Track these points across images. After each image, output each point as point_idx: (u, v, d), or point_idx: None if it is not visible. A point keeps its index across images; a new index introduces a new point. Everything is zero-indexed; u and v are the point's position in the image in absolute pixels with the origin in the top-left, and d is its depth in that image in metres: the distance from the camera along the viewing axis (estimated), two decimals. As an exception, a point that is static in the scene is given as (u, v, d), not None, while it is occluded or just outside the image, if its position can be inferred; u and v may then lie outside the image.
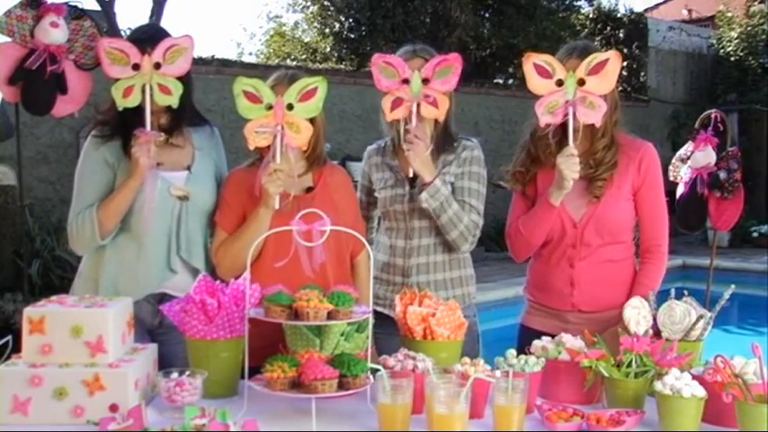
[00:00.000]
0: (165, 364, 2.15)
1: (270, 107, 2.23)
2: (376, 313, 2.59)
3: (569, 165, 2.31)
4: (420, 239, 2.57)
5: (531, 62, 2.31)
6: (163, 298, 2.39)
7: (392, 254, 2.61)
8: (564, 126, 2.32)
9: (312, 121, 2.32)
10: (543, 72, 2.30)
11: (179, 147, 2.51)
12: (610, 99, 2.36)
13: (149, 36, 2.43)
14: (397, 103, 2.40)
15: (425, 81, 2.38)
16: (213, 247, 2.45)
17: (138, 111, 2.37)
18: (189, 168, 2.49)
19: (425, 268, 2.57)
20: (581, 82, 2.27)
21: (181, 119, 2.49)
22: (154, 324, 2.45)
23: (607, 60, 2.27)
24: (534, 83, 2.32)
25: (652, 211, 2.50)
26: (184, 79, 2.41)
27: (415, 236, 2.57)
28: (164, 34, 2.44)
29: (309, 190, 2.46)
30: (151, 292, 2.43)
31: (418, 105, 2.38)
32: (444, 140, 2.57)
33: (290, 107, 2.25)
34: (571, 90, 2.27)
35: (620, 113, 2.50)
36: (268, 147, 2.27)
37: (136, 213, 2.40)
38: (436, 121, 2.52)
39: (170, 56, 2.33)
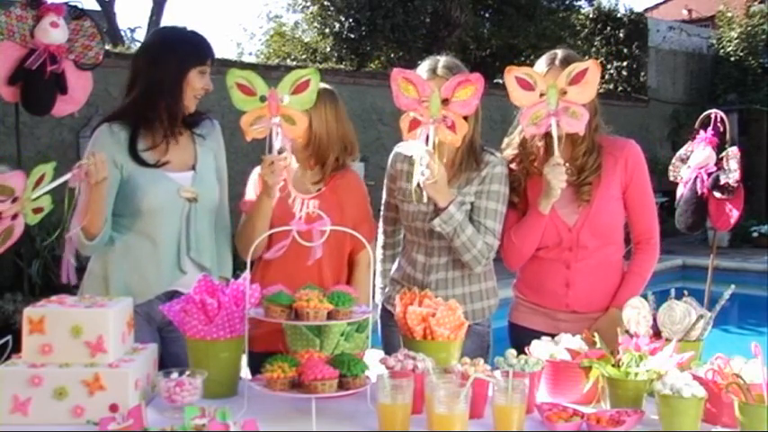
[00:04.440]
0: (176, 360, 2.18)
1: (263, 99, 2.23)
2: (388, 312, 2.61)
3: (556, 174, 2.33)
4: (439, 258, 2.54)
5: (513, 75, 2.31)
6: (174, 296, 2.40)
7: (413, 266, 2.60)
8: (548, 135, 2.33)
9: (328, 131, 2.39)
10: (525, 84, 2.31)
11: (183, 144, 2.52)
12: (590, 105, 2.37)
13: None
14: (415, 123, 2.31)
15: (445, 101, 2.28)
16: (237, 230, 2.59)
17: (152, 106, 2.41)
18: (194, 167, 2.51)
19: (444, 284, 2.54)
20: (562, 92, 2.28)
21: (190, 122, 2.53)
22: (164, 321, 2.46)
23: (587, 70, 2.28)
24: (517, 95, 2.32)
25: (641, 207, 2.54)
26: None
27: (434, 254, 2.55)
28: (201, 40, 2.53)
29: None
30: (163, 291, 2.44)
31: (436, 128, 2.30)
32: (469, 158, 2.50)
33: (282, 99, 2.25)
34: (553, 101, 2.28)
35: (600, 117, 2.52)
36: None
37: (145, 215, 2.41)
38: (471, 140, 2.47)
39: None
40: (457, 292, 2.53)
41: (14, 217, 2.14)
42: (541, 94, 2.29)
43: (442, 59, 2.50)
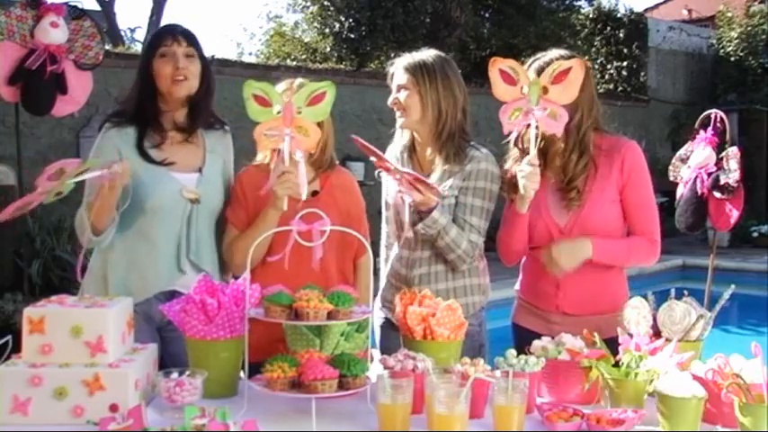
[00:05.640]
0: (175, 360, 2.17)
1: (279, 111, 2.23)
2: (385, 317, 2.62)
3: (529, 175, 2.31)
4: (422, 251, 2.55)
5: (497, 68, 2.27)
6: (173, 295, 2.39)
7: (399, 261, 2.61)
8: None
9: (320, 126, 2.30)
10: (508, 78, 2.26)
11: (192, 147, 2.52)
12: (586, 102, 2.35)
13: (181, 27, 2.51)
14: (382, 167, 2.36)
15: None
16: (224, 244, 2.49)
17: (156, 102, 2.44)
18: (200, 170, 2.51)
19: (427, 278, 2.54)
20: (544, 90, 2.24)
21: (197, 119, 2.52)
22: (163, 321, 2.46)
23: (570, 69, 2.23)
24: (499, 89, 2.29)
25: (638, 208, 2.48)
26: (205, 78, 2.48)
27: (417, 247, 2.55)
28: (190, 35, 2.51)
29: (316, 194, 2.48)
30: (161, 290, 2.44)
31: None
32: (448, 150, 2.52)
33: (298, 111, 2.23)
34: (534, 98, 2.24)
35: (598, 117, 2.48)
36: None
37: (146, 213, 2.41)
38: (442, 130, 2.51)
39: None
40: (440, 287, 2.53)
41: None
42: (526, 89, 2.24)
43: (409, 56, 2.56)
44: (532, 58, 2.50)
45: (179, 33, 2.47)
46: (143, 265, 2.43)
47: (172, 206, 2.42)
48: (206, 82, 2.51)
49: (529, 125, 2.27)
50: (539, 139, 2.30)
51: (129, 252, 2.44)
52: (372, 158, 2.37)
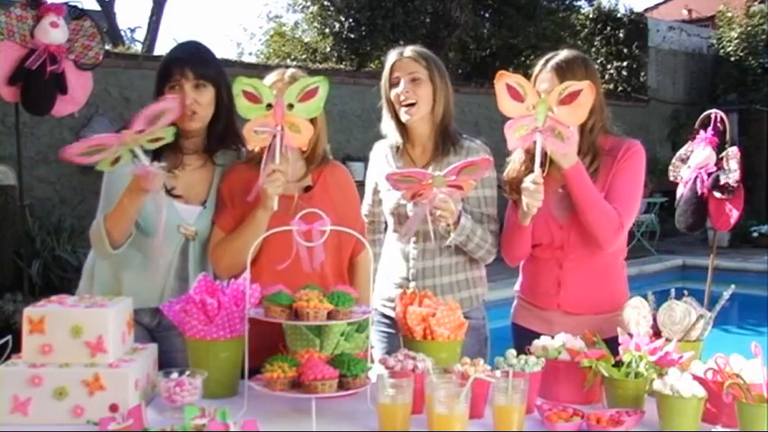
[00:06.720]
0: (166, 359, 2.15)
1: (269, 107, 2.17)
2: (387, 317, 2.62)
3: (533, 193, 2.28)
4: (425, 244, 2.54)
5: (504, 82, 2.22)
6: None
7: (398, 257, 2.61)
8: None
9: (312, 121, 2.26)
10: (515, 94, 2.21)
11: (204, 173, 2.46)
12: (597, 105, 2.33)
13: (190, 54, 2.41)
14: (417, 193, 2.30)
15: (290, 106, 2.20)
16: (210, 246, 2.41)
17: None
18: (204, 203, 2.43)
19: (431, 272, 2.55)
20: (552, 110, 2.20)
21: (215, 143, 2.44)
22: (152, 325, 2.45)
23: (580, 91, 2.18)
24: (505, 104, 2.23)
25: (619, 193, 2.41)
26: (221, 102, 2.39)
27: (419, 240, 2.55)
28: (205, 51, 2.44)
29: (308, 189, 2.41)
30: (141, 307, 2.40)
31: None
32: (445, 142, 2.53)
33: (290, 107, 2.19)
34: (541, 117, 2.19)
35: (606, 119, 2.47)
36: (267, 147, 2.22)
37: (143, 235, 2.35)
38: (448, 125, 2.54)
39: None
40: (444, 280, 2.54)
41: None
42: (533, 107, 2.20)
43: (412, 46, 2.57)
44: (545, 57, 2.48)
45: (187, 66, 2.34)
46: (128, 283, 2.39)
47: (167, 238, 2.34)
48: (221, 105, 2.40)
49: (535, 143, 2.22)
50: (547, 158, 2.26)
51: (119, 263, 2.38)
52: (404, 191, 2.30)
